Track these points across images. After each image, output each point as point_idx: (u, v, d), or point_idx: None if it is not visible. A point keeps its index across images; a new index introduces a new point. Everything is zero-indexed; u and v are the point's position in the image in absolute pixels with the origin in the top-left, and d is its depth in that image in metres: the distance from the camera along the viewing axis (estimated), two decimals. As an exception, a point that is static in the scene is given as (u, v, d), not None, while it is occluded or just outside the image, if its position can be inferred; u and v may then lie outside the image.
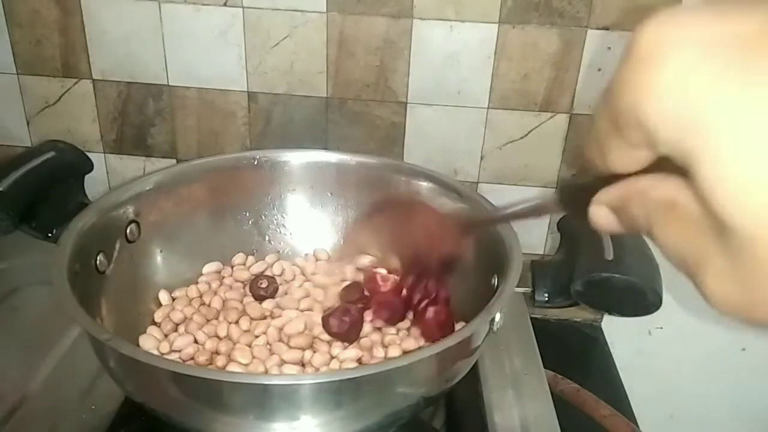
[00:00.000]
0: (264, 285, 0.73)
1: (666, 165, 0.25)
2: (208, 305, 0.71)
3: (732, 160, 0.21)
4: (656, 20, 0.24)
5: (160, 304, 0.71)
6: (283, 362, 0.63)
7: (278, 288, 0.74)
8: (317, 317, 0.69)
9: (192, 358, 0.64)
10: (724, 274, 0.23)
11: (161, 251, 0.74)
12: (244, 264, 0.78)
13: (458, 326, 0.68)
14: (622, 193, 0.29)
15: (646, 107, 0.23)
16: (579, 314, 0.93)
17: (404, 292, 0.67)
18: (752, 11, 0.22)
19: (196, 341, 0.66)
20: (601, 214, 0.31)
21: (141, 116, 0.86)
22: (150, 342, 0.66)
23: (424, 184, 0.76)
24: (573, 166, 0.33)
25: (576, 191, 0.36)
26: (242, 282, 0.75)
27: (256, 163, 0.78)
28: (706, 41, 0.22)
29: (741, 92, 0.21)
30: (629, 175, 0.28)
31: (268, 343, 0.66)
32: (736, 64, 0.21)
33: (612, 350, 0.89)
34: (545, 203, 0.44)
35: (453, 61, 0.80)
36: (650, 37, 0.24)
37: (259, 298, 0.72)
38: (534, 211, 0.51)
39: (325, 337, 0.67)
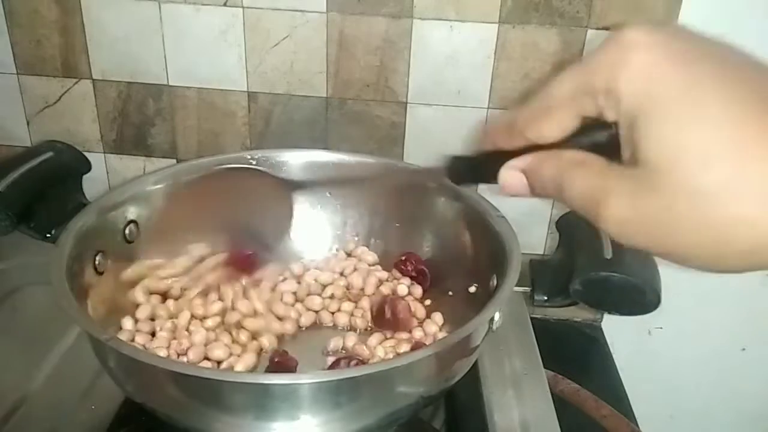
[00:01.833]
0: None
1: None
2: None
3: (669, 121, 0.30)
4: (641, 27, 0.32)
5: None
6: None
7: None
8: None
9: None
10: (624, 200, 0.31)
11: (159, 251, 0.74)
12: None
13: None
14: (537, 157, 0.36)
15: (622, 77, 0.31)
16: (579, 314, 0.93)
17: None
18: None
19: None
20: (510, 176, 0.38)
21: (141, 116, 0.86)
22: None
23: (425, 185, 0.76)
24: (480, 133, 0.39)
25: (464, 163, 0.44)
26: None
27: (254, 163, 0.78)
28: (669, 47, 0.31)
29: (685, 80, 0.30)
30: (527, 149, 0.37)
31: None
32: (686, 62, 0.31)
33: (612, 350, 0.89)
34: (429, 170, 0.52)
35: (453, 61, 0.80)
36: (635, 34, 0.32)
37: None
38: (415, 175, 0.63)
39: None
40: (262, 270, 0.70)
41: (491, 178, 0.39)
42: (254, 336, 0.68)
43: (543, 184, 0.36)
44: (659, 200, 0.30)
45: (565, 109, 0.35)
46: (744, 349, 0.96)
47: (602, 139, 0.34)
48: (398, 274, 0.77)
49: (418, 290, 0.75)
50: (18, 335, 0.77)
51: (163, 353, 0.63)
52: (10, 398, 0.67)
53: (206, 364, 0.64)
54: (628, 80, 0.31)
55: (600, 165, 0.33)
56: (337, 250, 0.80)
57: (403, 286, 0.75)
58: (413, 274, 0.76)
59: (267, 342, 0.67)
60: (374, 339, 0.68)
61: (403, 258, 0.77)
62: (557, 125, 0.35)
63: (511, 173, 0.38)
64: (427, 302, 0.74)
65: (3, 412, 0.66)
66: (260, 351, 0.67)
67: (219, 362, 0.64)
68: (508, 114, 0.38)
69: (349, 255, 0.80)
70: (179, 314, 0.68)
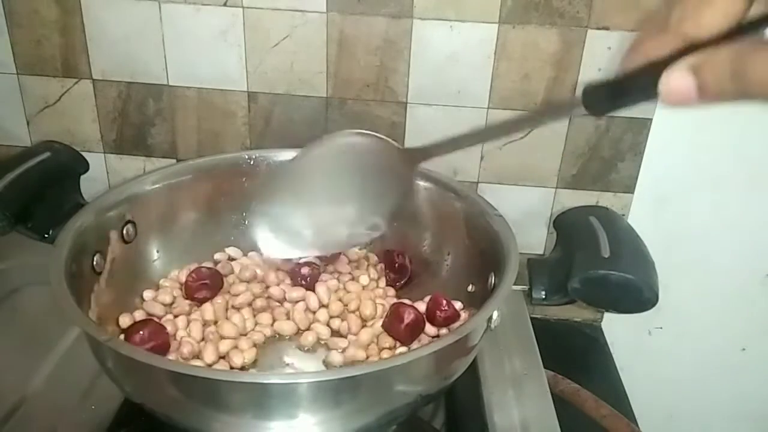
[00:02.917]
0: (306, 272, 0.74)
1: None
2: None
3: None
4: None
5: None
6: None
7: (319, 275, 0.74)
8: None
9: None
10: None
11: (158, 251, 0.74)
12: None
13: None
14: (707, 53, 0.32)
15: None
16: (579, 314, 0.93)
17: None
18: None
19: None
20: (678, 80, 0.33)
21: (141, 116, 0.86)
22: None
23: (424, 184, 0.76)
24: (626, 49, 0.35)
25: (605, 89, 0.38)
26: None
27: (252, 162, 0.78)
28: None
29: None
30: (668, 59, 0.32)
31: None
32: None
33: (612, 350, 0.89)
34: (564, 104, 0.44)
35: (453, 61, 0.80)
36: None
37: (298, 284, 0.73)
38: (542, 115, 0.54)
39: None
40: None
41: (641, 95, 0.36)
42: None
43: (719, 78, 0.31)
44: None
45: None
46: (744, 349, 0.96)
47: (763, 34, 0.31)
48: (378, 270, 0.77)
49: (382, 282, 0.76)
50: (18, 335, 0.77)
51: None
52: (10, 398, 0.67)
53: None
54: None
55: None
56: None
57: (365, 277, 0.75)
58: (395, 266, 0.76)
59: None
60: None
61: (389, 251, 0.77)
62: (720, 12, 0.32)
63: (676, 75, 0.33)
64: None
65: (3, 412, 0.65)
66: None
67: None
68: (656, 14, 0.34)
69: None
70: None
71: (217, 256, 0.78)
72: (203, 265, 0.74)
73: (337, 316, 0.70)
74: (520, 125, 0.58)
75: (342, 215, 0.63)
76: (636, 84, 0.36)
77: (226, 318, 0.68)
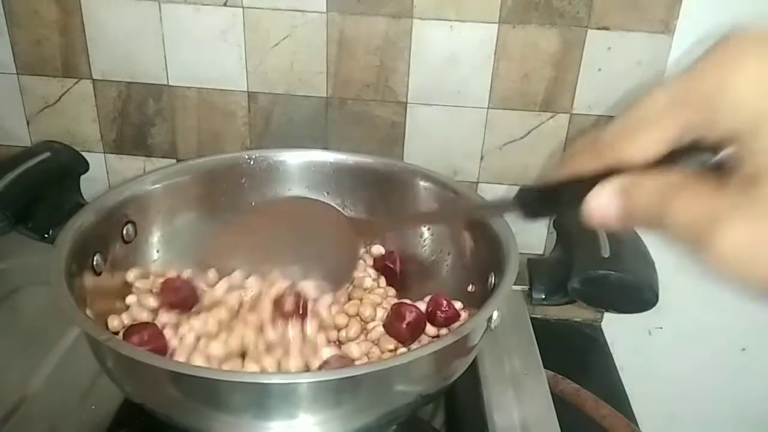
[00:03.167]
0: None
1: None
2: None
3: None
4: (747, 31, 0.30)
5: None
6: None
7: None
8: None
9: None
10: (743, 224, 0.28)
11: (158, 251, 0.74)
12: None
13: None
14: (633, 180, 0.32)
15: (738, 84, 0.28)
16: (579, 314, 0.93)
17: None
18: None
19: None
20: (604, 201, 0.33)
21: (141, 116, 0.87)
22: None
23: (424, 184, 0.76)
24: (558, 160, 0.36)
25: (537, 194, 0.40)
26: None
27: (252, 162, 0.78)
28: None
29: None
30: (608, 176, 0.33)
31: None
32: None
33: (612, 350, 0.89)
34: (501, 204, 0.45)
35: (453, 61, 0.80)
36: (745, 38, 0.30)
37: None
38: (489, 208, 0.60)
39: None
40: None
41: (568, 206, 0.35)
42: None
43: (639, 211, 0.32)
44: None
45: (662, 124, 0.31)
46: (744, 350, 0.96)
47: (694, 164, 0.31)
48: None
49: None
50: (18, 335, 0.78)
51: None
52: (10, 398, 0.67)
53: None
54: (741, 88, 0.28)
55: (709, 187, 0.29)
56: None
57: (368, 279, 0.75)
58: (388, 267, 0.76)
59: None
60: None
61: (385, 254, 0.77)
62: (650, 143, 0.32)
63: (602, 197, 0.33)
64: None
65: (3, 412, 0.66)
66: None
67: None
68: (591, 134, 0.35)
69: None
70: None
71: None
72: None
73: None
74: (457, 215, 0.68)
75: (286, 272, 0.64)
76: (564, 195, 0.37)
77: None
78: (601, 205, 0.33)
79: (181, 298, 0.67)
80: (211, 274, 0.70)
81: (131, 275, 0.70)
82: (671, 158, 0.32)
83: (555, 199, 0.38)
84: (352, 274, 0.70)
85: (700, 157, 0.31)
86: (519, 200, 0.40)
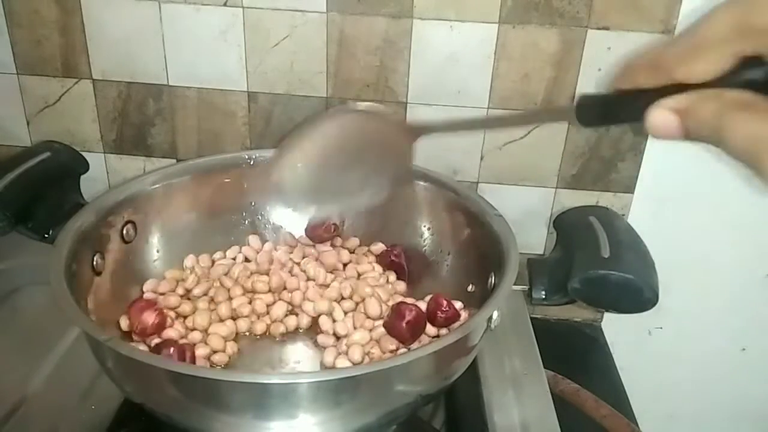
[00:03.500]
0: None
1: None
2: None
3: None
4: None
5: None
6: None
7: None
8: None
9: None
10: None
11: (158, 251, 0.74)
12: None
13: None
14: (694, 97, 0.33)
15: None
16: (579, 314, 0.93)
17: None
18: None
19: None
20: (663, 117, 0.34)
21: (141, 116, 0.86)
22: None
23: (424, 184, 0.76)
24: (619, 72, 0.36)
25: (598, 103, 0.40)
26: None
27: (252, 162, 0.78)
28: None
29: None
30: (671, 87, 0.34)
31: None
32: None
33: (612, 350, 0.89)
34: (559, 110, 0.46)
35: (453, 61, 0.80)
36: None
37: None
38: (538, 117, 0.62)
39: None
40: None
41: (628, 118, 0.37)
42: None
43: (700, 127, 0.33)
44: None
45: (721, 49, 0.32)
46: (744, 349, 0.96)
47: (759, 77, 0.32)
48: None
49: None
50: (18, 335, 0.77)
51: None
52: (10, 398, 0.67)
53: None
54: None
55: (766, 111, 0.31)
56: (332, 245, 0.80)
57: (374, 274, 0.76)
58: (391, 264, 0.77)
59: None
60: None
61: (386, 250, 0.78)
62: (711, 65, 0.33)
63: (662, 114, 0.34)
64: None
65: (3, 412, 0.66)
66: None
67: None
68: (652, 50, 0.35)
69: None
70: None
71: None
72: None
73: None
74: (519, 121, 0.66)
75: (346, 180, 0.63)
76: (624, 107, 0.38)
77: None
78: (663, 120, 0.34)
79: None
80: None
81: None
82: (733, 74, 0.32)
83: (615, 108, 0.39)
84: (411, 172, 0.70)
85: (757, 71, 0.32)
86: (580, 107, 0.41)
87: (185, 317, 0.69)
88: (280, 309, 0.71)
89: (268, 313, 0.71)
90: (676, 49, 0.34)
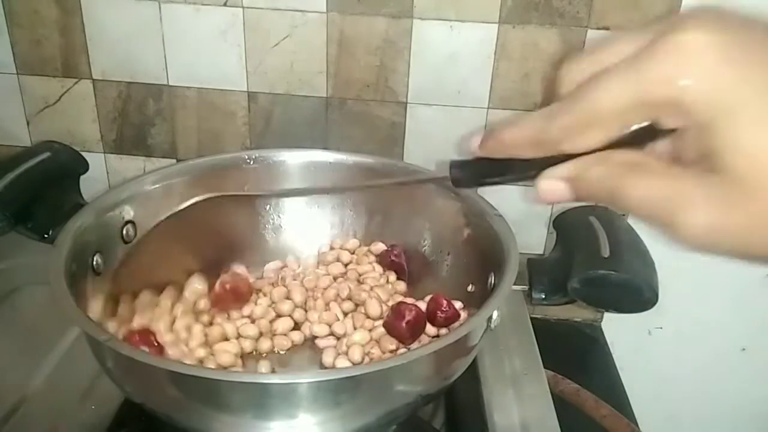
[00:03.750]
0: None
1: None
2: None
3: (750, 126, 0.28)
4: (692, 26, 0.29)
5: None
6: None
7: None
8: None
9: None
10: (709, 207, 0.29)
11: (158, 252, 0.74)
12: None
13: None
14: (581, 164, 0.33)
15: (689, 87, 0.29)
16: (579, 314, 0.93)
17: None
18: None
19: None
20: (551, 186, 0.34)
21: (141, 116, 0.87)
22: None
23: (423, 184, 0.76)
24: (490, 135, 0.36)
25: (473, 169, 0.40)
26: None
27: (252, 162, 0.78)
28: (731, 45, 0.29)
29: (760, 80, 0.28)
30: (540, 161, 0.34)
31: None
32: (753, 61, 0.29)
33: (612, 350, 0.89)
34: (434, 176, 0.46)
35: (453, 61, 0.80)
36: (690, 36, 0.29)
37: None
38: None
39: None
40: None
41: (508, 181, 0.37)
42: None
43: (591, 192, 0.33)
44: (751, 206, 0.29)
45: (615, 122, 0.31)
46: (744, 349, 0.96)
47: (645, 137, 0.32)
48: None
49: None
50: (18, 335, 0.78)
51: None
52: (10, 398, 0.67)
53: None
54: (696, 89, 0.29)
55: (662, 167, 0.31)
56: (331, 248, 0.80)
57: (374, 274, 0.76)
58: (391, 264, 0.77)
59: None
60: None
61: (386, 250, 0.78)
62: (601, 137, 0.32)
63: (551, 183, 0.34)
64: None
65: (3, 412, 0.66)
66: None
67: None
68: (530, 124, 0.34)
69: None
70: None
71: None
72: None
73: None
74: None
75: None
76: (503, 172, 0.37)
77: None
78: (552, 188, 0.34)
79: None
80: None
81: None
82: (614, 144, 0.32)
83: (494, 173, 0.38)
84: None
85: (647, 137, 0.32)
86: (454, 174, 0.40)
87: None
88: (285, 324, 0.70)
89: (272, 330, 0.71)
90: (562, 124, 0.32)
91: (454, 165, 0.40)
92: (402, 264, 0.76)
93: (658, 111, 0.30)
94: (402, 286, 0.75)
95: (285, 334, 0.70)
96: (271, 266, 0.78)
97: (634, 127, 0.31)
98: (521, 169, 0.35)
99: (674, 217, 0.30)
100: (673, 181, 0.30)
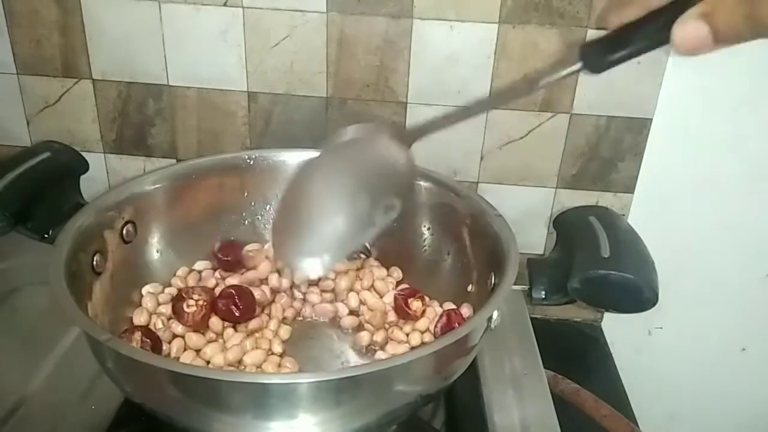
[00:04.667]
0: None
1: None
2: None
3: None
4: None
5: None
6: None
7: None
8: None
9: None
10: None
11: (158, 251, 0.74)
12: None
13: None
14: (715, 1, 0.32)
15: None
16: (579, 314, 0.93)
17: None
18: None
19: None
20: (693, 27, 0.33)
21: (141, 116, 0.86)
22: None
23: (424, 184, 0.76)
24: (611, 15, 0.36)
25: (606, 42, 0.39)
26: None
27: (252, 162, 0.78)
28: None
29: None
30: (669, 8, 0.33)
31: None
32: None
33: (612, 350, 0.89)
34: (563, 62, 0.44)
35: (453, 61, 0.80)
36: None
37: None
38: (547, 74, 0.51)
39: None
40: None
41: (643, 48, 0.36)
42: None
43: (731, 22, 0.32)
44: None
45: None
46: (744, 349, 0.96)
47: None
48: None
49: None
50: (18, 335, 0.77)
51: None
52: (10, 398, 0.67)
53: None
54: None
55: None
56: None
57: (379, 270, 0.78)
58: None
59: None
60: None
61: None
62: None
63: (691, 24, 0.34)
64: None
65: (3, 412, 0.66)
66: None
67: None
68: None
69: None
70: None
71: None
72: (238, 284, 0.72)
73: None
74: (517, 93, 0.59)
75: (357, 210, 0.61)
76: (639, 34, 0.37)
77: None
78: (694, 29, 0.33)
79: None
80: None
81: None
82: None
83: (631, 40, 0.38)
84: (414, 185, 0.69)
85: None
86: (587, 54, 0.40)
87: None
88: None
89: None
90: None
91: (585, 49, 0.40)
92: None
93: None
94: (398, 273, 0.78)
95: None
96: (251, 248, 0.79)
97: None
98: (652, 30, 0.35)
99: None
100: None
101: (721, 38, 0.33)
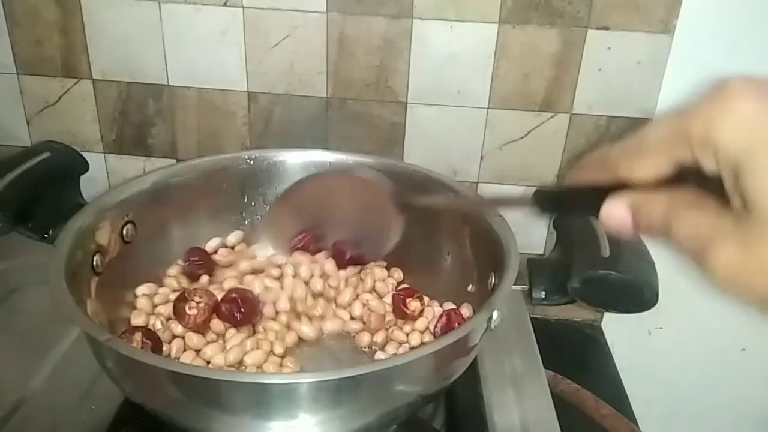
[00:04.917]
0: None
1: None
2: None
3: None
4: (742, 79, 0.32)
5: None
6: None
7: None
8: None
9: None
10: (734, 248, 0.31)
11: (158, 251, 0.74)
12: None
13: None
14: (646, 195, 0.36)
15: (723, 126, 0.31)
16: (579, 314, 0.93)
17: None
18: None
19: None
20: (617, 211, 0.37)
21: (141, 116, 0.86)
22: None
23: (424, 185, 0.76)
24: (573, 168, 0.40)
25: (553, 196, 0.46)
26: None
27: (252, 162, 0.78)
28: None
29: None
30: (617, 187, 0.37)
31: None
32: None
33: (612, 350, 0.89)
34: (519, 199, 0.50)
35: (453, 61, 0.80)
36: (737, 85, 0.31)
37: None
38: (504, 202, 0.66)
39: None
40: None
41: (581, 210, 0.41)
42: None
43: (649, 222, 0.36)
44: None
45: (659, 154, 0.35)
46: (744, 349, 0.96)
47: (699, 183, 0.33)
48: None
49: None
50: (18, 335, 0.77)
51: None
52: (10, 398, 0.67)
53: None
54: (730, 129, 0.31)
55: (713, 208, 0.33)
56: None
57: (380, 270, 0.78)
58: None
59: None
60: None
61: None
62: (650, 168, 0.35)
63: (615, 208, 0.37)
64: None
65: (3, 412, 0.66)
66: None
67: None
68: (600, 150, 0.38)
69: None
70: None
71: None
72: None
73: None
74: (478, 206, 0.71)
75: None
76: (577, 200, 0.42)
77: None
78: (614, 215, 0.37)
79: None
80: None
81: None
82: (681, 177, 0.34)
83: (569, 202, 0.43)
84: (391, 246, 0.72)
85: (699, 179, 0.33)
86: (536, 199, 0.45)
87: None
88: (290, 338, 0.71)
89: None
90: (621, 150, 0.37)
91: (536, 193, 0.45)
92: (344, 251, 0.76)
93: (696, 148, 0.32)
94: (399, 274, 0.78)
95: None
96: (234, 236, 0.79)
97: (679, 164, 0.34)
98: (593, 197, 0.38)
99: (706, 254, 0.32)
100: (713, 220, 0.32)
101: (640, 230, 0.36)
